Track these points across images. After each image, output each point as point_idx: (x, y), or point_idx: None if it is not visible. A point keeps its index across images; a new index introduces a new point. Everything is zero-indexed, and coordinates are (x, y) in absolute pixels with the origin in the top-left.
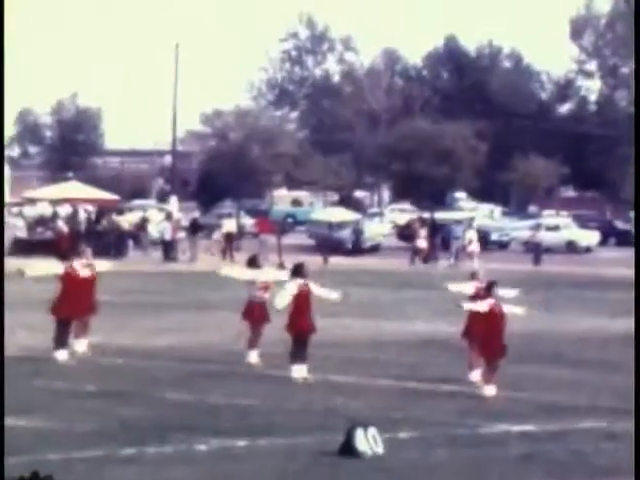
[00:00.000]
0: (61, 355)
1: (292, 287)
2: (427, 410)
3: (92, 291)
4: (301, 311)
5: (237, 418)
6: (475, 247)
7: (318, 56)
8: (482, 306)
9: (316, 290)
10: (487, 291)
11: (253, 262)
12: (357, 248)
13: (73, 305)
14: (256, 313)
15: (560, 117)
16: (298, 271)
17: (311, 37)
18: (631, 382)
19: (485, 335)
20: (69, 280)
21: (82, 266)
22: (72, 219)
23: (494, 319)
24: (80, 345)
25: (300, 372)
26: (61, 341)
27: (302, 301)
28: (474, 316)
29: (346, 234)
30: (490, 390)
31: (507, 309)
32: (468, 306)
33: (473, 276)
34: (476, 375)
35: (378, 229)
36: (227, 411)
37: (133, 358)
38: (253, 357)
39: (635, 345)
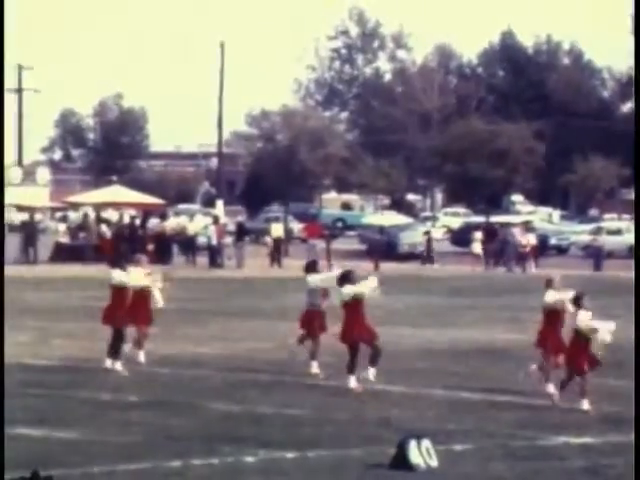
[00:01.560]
0: (116, 365)
1: (345, 293)
2: (482, 421)
3: (148, 300)
4: (354, 319)
5: (285, 429)
6: (531, 252)
7: (369, 54)
8: (591, 324)
9: (361, 288)
10: (575, 303)
11: (312, 267)
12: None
13: (129, 314)
14: (317, 322)
15: (622, 116)
16: (347, 278)
17: (361, 34)
18: None
19: (572, 347)
20: (125, 289)
21: (139, 274)
22: (116, 224)
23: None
24: (141, 356)
25: (354, 382)
26: (116, 351)
27: (354, 309)
28: (552, 326)
29: (402, 239)
30: (586, 404)
31: (598, 324)
32: (562, 304)
33: (549, 284)
34: (552, 387)
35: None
36: (275, 422)
37: (178, 367)
38: (315, 367)
39: (635, 347)
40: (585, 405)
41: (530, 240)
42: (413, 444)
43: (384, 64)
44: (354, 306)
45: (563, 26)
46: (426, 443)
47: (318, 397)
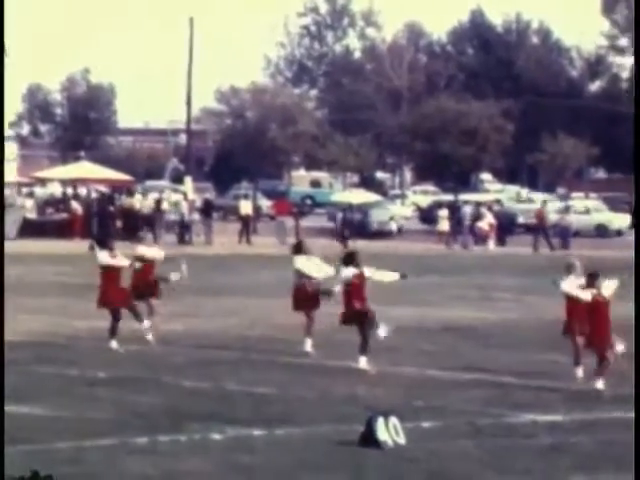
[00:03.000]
0: (113, 345)
1: (347, 274)
2: (450, 399)
3: (150, 274)
4: (355, 300)
5: (253, 406)
6: (489, 229)
7: (338, 31)
8: (585, 295)
9: (375, 275)
10: (590, 282)
11: (300, 248)
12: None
13: (119, 293)
14: (308, 300)
15: (590, 95)
16: (351, 259)
17: (331, 11)
18: None
19: (592, 328)
20: (112, 270)
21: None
22: (86, 200)
23: (599, 310)
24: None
25: (366, 363)
26: (113, 330)
27: (356, 290)
28: (575, 309)
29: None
30: (600, 384)
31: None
32: (568, 290)
33: (569, 269)
34: (580, 371)
35: (399, 211)
36: (243, 399)
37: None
38: (308, 345)
39: (635, 338)
40: (599, 384)
41: (489, 219)
42: (381, 421)
43: (354, 41)
44: (355, 286)
45: (532, 5)
46: (394, 420)
47: (287, 375)
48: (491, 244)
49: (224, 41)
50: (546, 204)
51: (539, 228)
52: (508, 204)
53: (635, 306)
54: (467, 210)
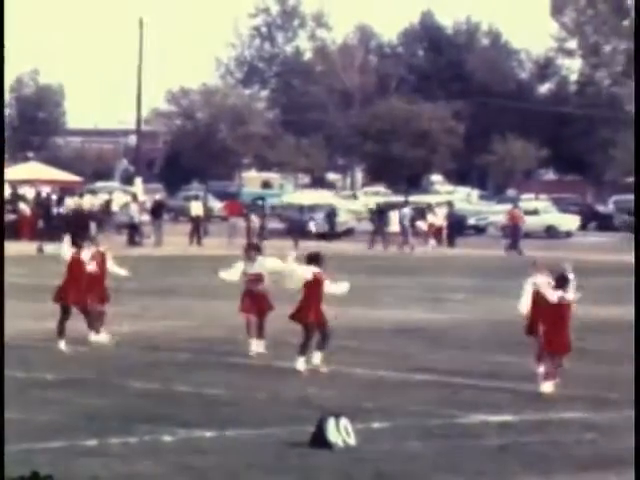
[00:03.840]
0: (61, 345)
1: (307, 272)
2: (401, 400)
3: (101, 280)
4: (312, 300)
5: (204, 408)
6: (430, 232)
7: (289, 32)
8: (552, 296)
9: (328, 287)
10: (559, 284)
11: (256, 249)
12: (331, 232)
13: (78, 292)
14: (260, 302)
15: (540, 97)
16: (314, 259)
17: (282, 13)
18: (609, 370)
19: (550, 329)
20: (76, 267)
21: (91, 253)
22: (35, 201)
23: (562, 313)
24: (99, 336)
25: (303, 364)
26: (61, 330)
27: (314, 290)
28: (540, 309)
29: (319, 218)
30: (548, 387)
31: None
32: (539, 286)
33: (535, 268)
34: (542, 370)
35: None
36: (194, 401)
37: (97, 346)
38: (258, 346)
39: (635, 339)
40: (547, 387)
41: (430, 220)
42: (332, 422)
43: (304, 43)
44: (314, 288)
45: (481, 7)
46: (344, 422)
47: (238, 377)
48: (431, 245)
49: (174, 42)
50: (518, 205)
51: (513, 229)
52: (459, 205)
53: (635, 306)
54: (406, 211)
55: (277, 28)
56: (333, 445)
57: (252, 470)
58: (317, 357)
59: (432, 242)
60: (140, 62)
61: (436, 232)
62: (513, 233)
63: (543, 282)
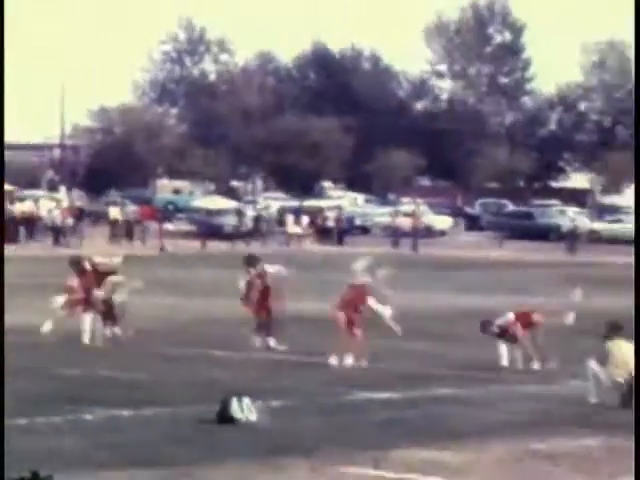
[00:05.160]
0: None
1: (245, 277)
2: (298, 380)
3: None
4: (262, 296)
5: (122, 390)
6: (300, 231)
7: (195, 57)
8: None
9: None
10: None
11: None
12: (239, 233)
13: None
14: None
15: (416, 114)
16: (250, 261)
17: (189, 39)
18: (476, 352)
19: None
20: None
21: None
22: None
23: None
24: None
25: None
26: None
27: (258, 286)
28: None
29: (226, 220)
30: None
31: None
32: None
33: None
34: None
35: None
36: (113, 384)
37: (24, 336)
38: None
39: (635, 336)
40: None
41: (304, 223)
42: (235, 401)
43: (209, 66)
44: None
45: (364, 35)
46: (246, 400)
47: (153, 362)
48: (307, 243)
49: (95, 66)
50: (419, 207)
51: (413, 230)
52: (348, 209)
53: (635, 305)
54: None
55: (185, 53)
56: (237, 421)
57: (165, 445)
58: (272, 341)
59: (307, 241)
60: (63, 86)
61: (320, 232)
62: (414, 234)
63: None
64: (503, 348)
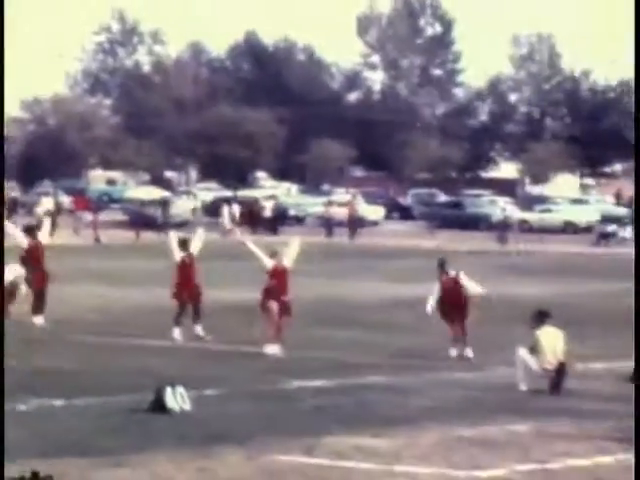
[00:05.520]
0: None
1: (177, 255)
2: (231, 369)
3: None
4: (185, 280)
5: (56, 380)
6: (233, 220)
7: (129, 48)
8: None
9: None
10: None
11: None
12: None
13: None
14: None
15: (349, 105)
16: (183, 245)
17: (122, 31)
18: (408, 340)
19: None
20: None
21: None
22: None
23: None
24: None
25: (179, 334)
26: None
27: (186, 271)
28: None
29: (156, 211)
30: (272, 349)
31: None
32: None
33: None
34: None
35: (186, 206)
36: (47, 374)
37: None
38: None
39: (635, 335)
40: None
41: (234, 211)
42: (169, 390)
43: (143, 57)
44: (185, 268)
45: (297, 26)
46: (180, 389)
47: (86, 352)
48: (238, 234)
49: (28, 56)
50: (355, 198)
51: (350, 220)
52: (282, 199)
53: (635, 304)
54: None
55: (118, 44)
56: (170, 410)
57: (98, 434)
58: (198, 329)
59: (237, 232)
60: None
61: (254, 222)
62: (351, 223)
63: None
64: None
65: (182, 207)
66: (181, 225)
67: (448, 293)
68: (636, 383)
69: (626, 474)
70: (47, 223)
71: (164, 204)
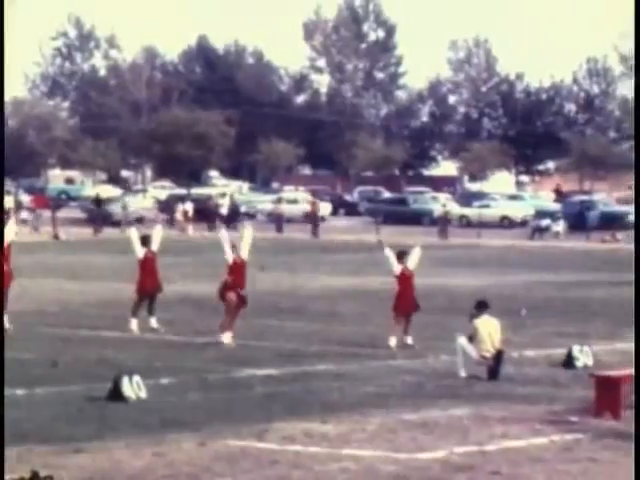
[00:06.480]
0: None
1: (139, 252)
2: (185, 359)
3: None
4: (148, 274)
5: (17, 370)
6: (182, 218)
7: (86, 53)
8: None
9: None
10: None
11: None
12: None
13: None
14: None
15: (297, 106)
16: (144, 241)
17: (79, 36)
18: (354, 330)
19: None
20: None
21: None
22: None
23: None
24: None
25: (135, 325)
26: None
27: (148, 265)
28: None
29: (113, 208)
30: (226, 338)
31: None
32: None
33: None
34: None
35: (141, 203)
36: (9, 365)
37: None
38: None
39: (635, 335)
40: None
41: (186, 209)
42: (126, 379)
43: (99, 61)
44: (147, 262)
45: (247, 31)
46: (137, 378)
47: (46, 344)
48: (190, 230)
49: None
50: (316, 198)
51: (312, 217)
52: (239, 197)
53: (635, 304)
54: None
55: (75, 49)
56: (127, 398)
57: (58, 422)
58: (153, 321)
59: (189, 228)
60: None
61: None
62: (313, 219)
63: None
64: None
65: (138, 204)
66: (137, 222)
67: (404, 286)
68: (636, 383)
69: (559, 454)
70: (11, 222)
71: (98, 203)
